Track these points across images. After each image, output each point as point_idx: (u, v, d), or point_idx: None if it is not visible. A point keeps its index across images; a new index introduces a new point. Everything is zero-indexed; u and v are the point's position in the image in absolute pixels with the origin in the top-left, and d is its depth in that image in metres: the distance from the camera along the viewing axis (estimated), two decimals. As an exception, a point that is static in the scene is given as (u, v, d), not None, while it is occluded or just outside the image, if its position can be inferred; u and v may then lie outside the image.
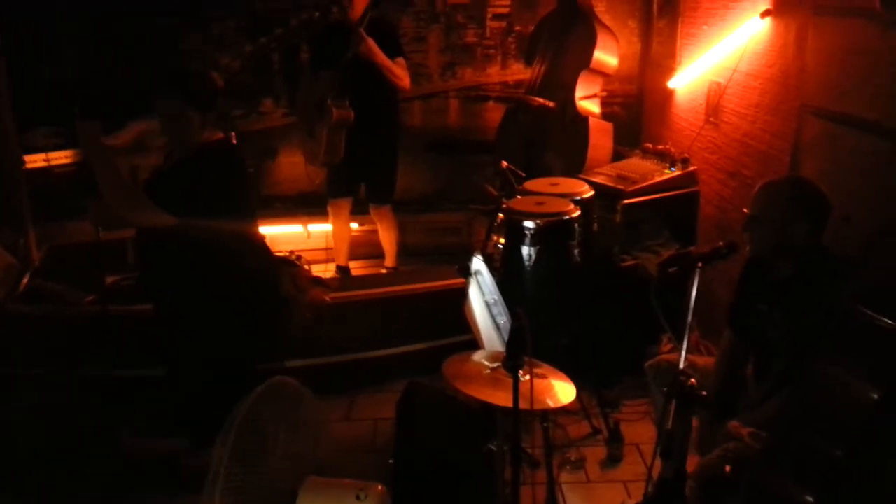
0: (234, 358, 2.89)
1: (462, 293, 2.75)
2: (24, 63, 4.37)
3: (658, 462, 1.92)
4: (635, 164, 4.03)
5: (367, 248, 4.90)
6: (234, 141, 2.90)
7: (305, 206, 4.95)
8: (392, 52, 4.06)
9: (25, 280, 3.76)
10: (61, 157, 4.32)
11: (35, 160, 4.24)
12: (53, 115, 4.48)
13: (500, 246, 3.31)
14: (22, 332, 3.48)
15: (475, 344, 2.64)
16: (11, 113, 4.09)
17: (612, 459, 3.14)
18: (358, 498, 1.88)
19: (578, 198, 3.31)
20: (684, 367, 1.95)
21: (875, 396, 1.78)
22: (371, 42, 3.93)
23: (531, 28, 4.75)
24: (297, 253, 4.14)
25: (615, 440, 3.14)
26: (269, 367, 3.11)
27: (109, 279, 3.63)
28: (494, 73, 5.07)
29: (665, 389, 1.90)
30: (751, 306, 2.44)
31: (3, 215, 4.06)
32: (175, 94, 2.65)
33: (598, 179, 3.82)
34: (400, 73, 4.10)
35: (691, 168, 3.90)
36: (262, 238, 3.03)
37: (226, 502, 1.73)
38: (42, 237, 4.27)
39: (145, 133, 4.29)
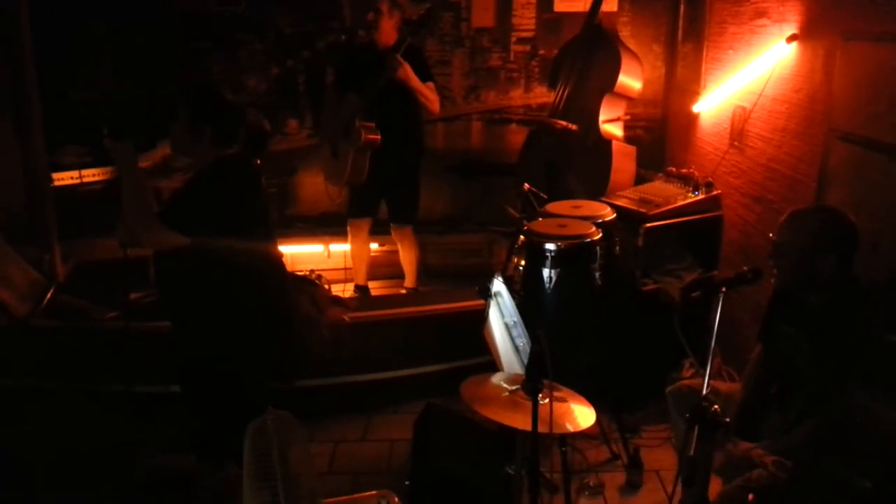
0: (249, 377, 2.87)
1: (482, 315, 2.73)
2: (57, 84, 4.46)
3: (679, 489, 1.88)
4: (658, 188, 4.01)
5: (387, 269, 4.90)
6: (259, 162, 2.90)
7: (326, 225, 4.97)
8: (423, 77, 4.11)
9: (49, 295, 3.80)
10: (90, 175, 4.38)
11: (64, 178, 4.31)
12: (83, 135, 4.57)
13: (521, 268, 3.29)
14: (44, 347, 3.51)
15: (494, 366, 2.61)
16: (42, 132, 4.17)
17: (632, 486, 3.09)
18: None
19: (600, 221, 3.29)
20: (707, 394, 1.91)
21: (905, 427, 1.74)
22: (408, 67, 3.98)
23: (555, 52, 4.77)
24: (317, 272, 4.15)
25: (635, 466, 3.09)
26: (280, 386, 3.11)
27: (133, 295, 3.65)
28: (517, 97, 5.08)
29: (687, 415, 1.87)
30: (779, 329, 2.39)
31: (29, 232, 4.12)
32: (181, 109, 2.66)
33: (621, 202, 3.79)
34: (432, 97, 4.16)
35: (715, 192, 3.87)
36: (279, 256, 3.02)
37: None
38: (69, 254, 4.32)
39: (169, 155, 4.35)
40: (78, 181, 4.37)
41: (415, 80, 4.04)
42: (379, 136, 4.07)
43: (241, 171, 2.77)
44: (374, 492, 1.99)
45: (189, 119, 2.64)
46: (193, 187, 2.67)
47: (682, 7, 4.69)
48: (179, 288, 2.78)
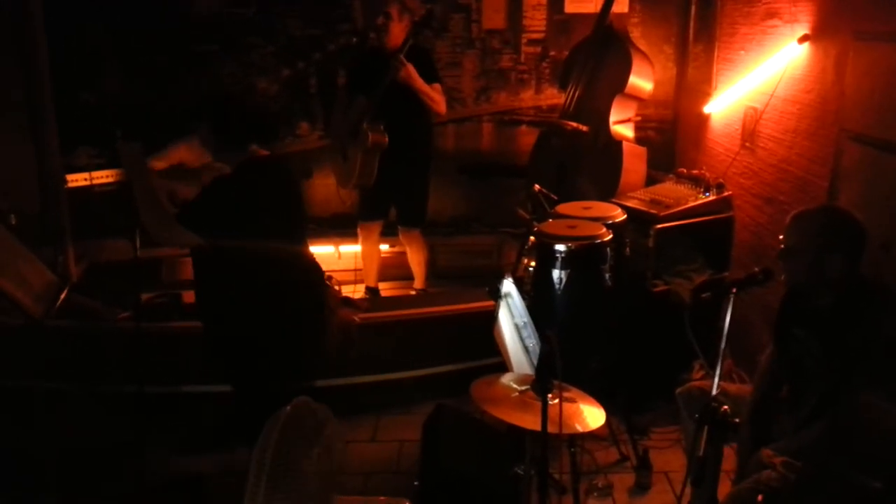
0: (282, 375, 2.87)
1: (492, 315, 2.74)
2: (69, 86, 4.51)
3: (688, 490, 1.88)
4: (669, 189, 3.99)
5: (397, 270, 4.91)
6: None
7: (337, 227, 4.99)
8: (429, 78, 4.11)
9: (63, 296, 3.83)
10: (103, 177, 4.42)
11: (77, 179, 4.35)
12: (96, 137, 4.61)
13: (531, 269, 3.30)
14: (56, 347, 3.54)
15: (504, 367, 2.62)
16: (56, 134, 4.21)
17: (641, 487, 3.09)
18: None
19: (611, 222, 3.29)
20: (717, 394, 1.91)
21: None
22: (411, 68, 3.99)
23: (566, 53, 4.77)
24: (328, 273, 4.16)
25: (644, 467, 3.09)
26: (298, 386, 3.11)
27: (144, 296, 3.68)
28: (528, 98, 5.09)
29: (696, 416, 1.87)
30: (789, 330, 2.38)
31: (44, 233, 4.15)
32: (203, 119, 2.72)
33: (631, 204, 3.78)
34: (437, 98, 4.16)
35: (726, 193, 3.85)
36: (311, 257, 3.03)
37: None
38: (82, 254, 4.35)
39: (185, 157, 4.38)
40: (88, 183, 4.40)
41: (418, 81, 4.04)
42: (386, 138, 4.08)
43: (266, 172, 2.78)
44: (390, 498, 1.98)
45: (210, 127, 2.70)
46: (210, 189, 2.70)
47: (693, 8, 4.68)
48: (216, 288, 2.79)
